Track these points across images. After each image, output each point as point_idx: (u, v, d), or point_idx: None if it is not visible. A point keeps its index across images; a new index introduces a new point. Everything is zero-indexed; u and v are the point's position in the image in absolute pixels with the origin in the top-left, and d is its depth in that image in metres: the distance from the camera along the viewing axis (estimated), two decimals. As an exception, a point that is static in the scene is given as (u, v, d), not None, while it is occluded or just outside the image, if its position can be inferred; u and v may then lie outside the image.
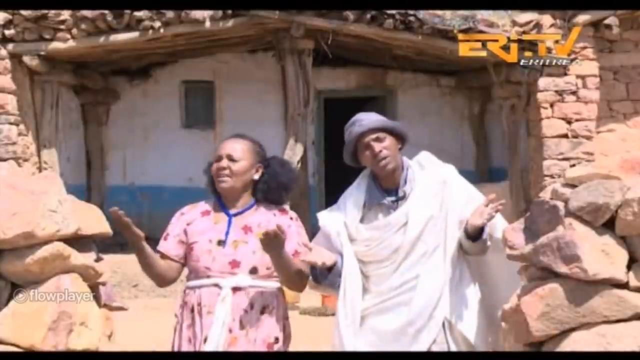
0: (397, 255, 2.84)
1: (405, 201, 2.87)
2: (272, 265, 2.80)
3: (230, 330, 2.72)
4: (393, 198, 2.88)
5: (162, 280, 2.87)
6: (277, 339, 2.82)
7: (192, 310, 2.77)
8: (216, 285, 2.75)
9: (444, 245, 2.85)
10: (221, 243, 2.80)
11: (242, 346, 2.71)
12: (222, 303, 2.72)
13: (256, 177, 2.88)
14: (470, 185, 2.97)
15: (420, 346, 2.80)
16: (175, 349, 2.81)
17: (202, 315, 2.74)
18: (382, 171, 2.86)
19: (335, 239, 2.92)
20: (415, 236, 2.83)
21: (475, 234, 2.79)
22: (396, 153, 2.87)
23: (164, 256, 2.85)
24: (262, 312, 2.79)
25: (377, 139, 2.83)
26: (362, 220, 2.91)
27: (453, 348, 2.81)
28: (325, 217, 2.98)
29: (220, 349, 2.68)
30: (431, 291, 2.81)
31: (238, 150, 2.85)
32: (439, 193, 2.87)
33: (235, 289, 2.75)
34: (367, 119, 2.88)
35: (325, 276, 2.88)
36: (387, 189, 2.90)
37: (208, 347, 2.68)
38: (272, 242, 2.65)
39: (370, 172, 2.95)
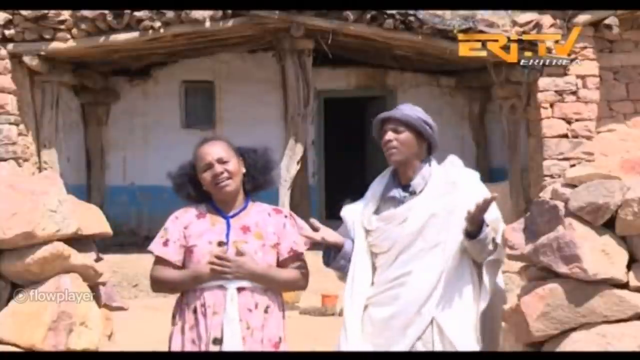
0: (394, 248, 2.88)
1: (415, 197, 2.90)
2: (273, 264, 2.83)
3: None
4: (405, 193, 2.92)
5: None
6: (280, 339, 2.83)
7: (195, 312, 2.76)
8: (220, 286, 2.75)
9: (444, 245, 2.86)
10: (222, 244, 2.79)
11: (249, 346, 2.71)
12: (232, 303, 2.72)
13: (243, 170, 2.89)
14: (485, 192, 2.90)
15: (407, 341, 2.82)
16: (177, 350, 2.79)
17: (207, 316, 2.73)
18: (388, 159, 2.94)
19: (350, 228, 3.00)
20: (413, 231, 2.85)
21: (472, 233, 2.79)
22: (409, 149, 2.91)
23: (166, 262, 2.83)
24: (265, 312, 2.79)
25: (395, 130, 2.91)
26: (376, 212, 2.97)
27: (438, 348, 2.81)
28: (346, 208, 3.07)
29: (238, 348, 2.68)
30: (421, 289, 2.83)
31: (222, 151, 2.84)
32: (448, 193, 2.89)
33: (240, 289, 2.75)
34: (400, 109, 2.97)
35: (334, 258, 2.95)
36: (404, 184, 2.94)
37: (225, 348, 2.67)
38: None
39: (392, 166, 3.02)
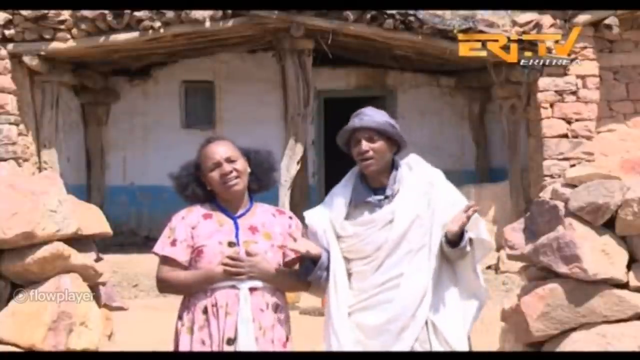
0: (380, 252, 2.85)
1: (392, 200, 2.89)
2: (282, 263, 2.83)
3: None
4: (380, 197, 2.90)
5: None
6: (287, 338, 2.83)
7: (205, 312, 2.74)
8: (232, 286, 2.74)
9: (429, 245, 2.85)
10: (232, 244, 2.78)
11: (261, 346, 2.71)
12: (246, 303, 2.71)
13: (249, 170, 2.88)
14: (455, 190, 2.95)
15: (404, 344, 2.81)
16: (186, 351, 2.76)
17: (219, 317, 2.71)
18: (364, 170, 2.91)
19: (321, 236, 2.94)
20: (400, 234, 2.84)
21: (454, 240, 2.79)
22: (384, 156, 2.90)
23: (174, 262, 2.81)
24: (275, 312, 2.80)
25: (370, 139, 2.87)
26: (347, 218, 2.93)
27: (436, 347, 2.81)
28: (312, 215, 3.01)
29: (252, 348, 2.67)
30: (415, 290, 2.82)
31: (229, 151, 2.84)
32: (426, 194, 2.89)
33: (252, 289, 2.75)
34: (369, 116, 2.91)
35: (311, 270, 2.88)
36: (374, 188, 2.92)
37: (239, 348, 2.66)
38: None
39: (359, 171, 2.98)
